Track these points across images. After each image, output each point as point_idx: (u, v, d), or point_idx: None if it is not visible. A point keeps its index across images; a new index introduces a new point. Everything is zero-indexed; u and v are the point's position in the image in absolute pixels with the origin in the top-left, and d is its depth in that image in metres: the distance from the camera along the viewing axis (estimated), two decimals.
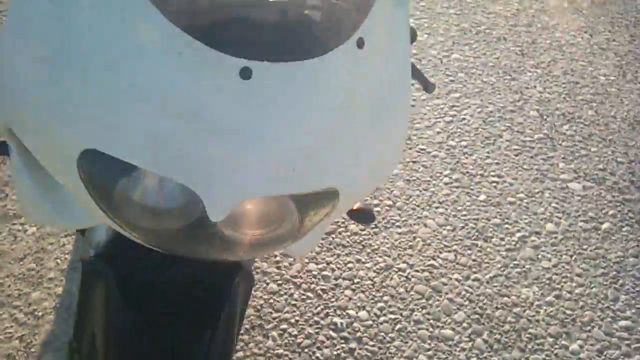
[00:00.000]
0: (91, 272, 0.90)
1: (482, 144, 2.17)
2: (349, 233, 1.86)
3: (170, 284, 0.89)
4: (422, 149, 2.15)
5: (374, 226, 1.88)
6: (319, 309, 1.68)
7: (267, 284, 1.72)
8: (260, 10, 0.74)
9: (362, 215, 1.04)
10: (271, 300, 1.68)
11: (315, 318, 1.66)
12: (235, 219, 0.75)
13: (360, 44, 0.76)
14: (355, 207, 1.04)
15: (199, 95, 0.69)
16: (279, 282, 1.72)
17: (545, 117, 2.30)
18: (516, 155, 2.14)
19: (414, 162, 2.10)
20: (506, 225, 1.90)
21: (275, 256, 1.78)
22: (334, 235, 1.85)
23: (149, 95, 0.68)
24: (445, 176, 2.05)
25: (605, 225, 1.93)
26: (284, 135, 0.71)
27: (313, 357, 1.59)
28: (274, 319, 1.64)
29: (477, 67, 2.53)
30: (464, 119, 2.27)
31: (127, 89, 0.68)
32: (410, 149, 2.14)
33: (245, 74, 0.68)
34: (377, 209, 1.93)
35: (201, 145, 0.69)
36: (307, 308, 1.67)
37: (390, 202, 1.96)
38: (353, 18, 0.80)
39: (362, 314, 1.67)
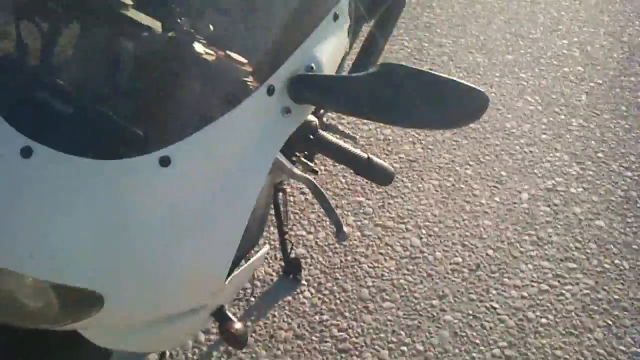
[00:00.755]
0: None
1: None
2: None
3: None
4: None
5: None
6: None
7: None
8: (66, 99, 0.78)
9: (233, 339, 1.00)
10: None
11: None
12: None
13: (164, 162, 0.75)
14: (231, 330, 1.00)
15: None
16: None
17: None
18: None
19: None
20: None
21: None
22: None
23: None
24: None
25: None
26: (45, 223, 0.73)
27: None
28: None
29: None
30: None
31: None
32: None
33: (26, 152, 0.73)
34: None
35: None
36: None
37: None
38: (163, 134, 0.79)
39: None
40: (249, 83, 0.84)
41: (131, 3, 0.90)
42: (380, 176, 0.99)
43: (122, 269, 0.77)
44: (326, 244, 2.10)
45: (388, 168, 0.99)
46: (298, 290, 1.94)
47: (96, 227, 0.74)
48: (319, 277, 1.99)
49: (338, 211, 2.23)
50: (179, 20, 0.89)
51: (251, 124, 0.83)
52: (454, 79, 0.78)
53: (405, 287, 1.99)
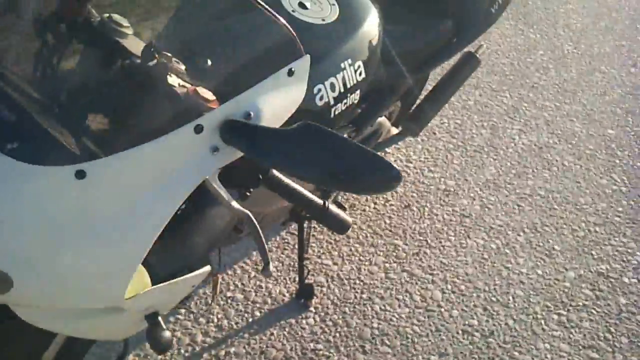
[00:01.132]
0: None
1: None
2: None
3: None
4: None
5: None
6: None
7: None
8: (10, 105, 0.93)
9: (157, 344, 1.09)
10: None
11: None
12: None
13: (80, 175, 0.86)
14: (156, 335, 1.10)
15: None
16: None
17: None
18: None
19: None
20: None
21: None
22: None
23: None
24: None
25: None
26: None
27: None
28: None
29: None
30: None
31: None
32: None
33: None
34: None
35: None
36: None
37: None
38: (85, 150, 0.91)
39: None
40: (179, 118, 0.91)
41: (130, 32, 1.03)
42: (334, 225, 1.01)
43: (27, 258, 0.88)
44: (348, 277, 2.17)
45: (345, 219, 1.01)
46: (303, 315, 2.02)
47: (12, 217, 0.86)
48: (328, 308, 2.06)
49: (371, 249, 2.28)
50: (155, 53, 0.99)
51: (173, 156, 0.90)
52: (372, 151, 0.81)
53: (409, 336, 2.00)
